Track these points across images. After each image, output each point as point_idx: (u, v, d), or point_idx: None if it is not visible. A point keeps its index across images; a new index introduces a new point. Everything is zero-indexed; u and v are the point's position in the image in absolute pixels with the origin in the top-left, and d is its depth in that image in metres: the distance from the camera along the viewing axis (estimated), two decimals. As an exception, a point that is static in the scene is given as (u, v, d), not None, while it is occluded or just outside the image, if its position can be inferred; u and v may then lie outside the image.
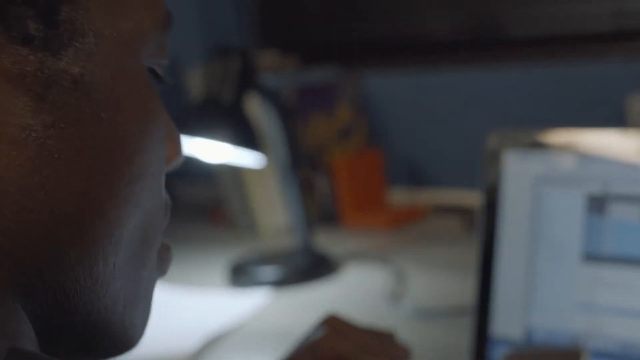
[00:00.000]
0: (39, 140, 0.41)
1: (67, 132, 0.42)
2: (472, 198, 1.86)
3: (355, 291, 1.46)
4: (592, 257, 0.95)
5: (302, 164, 1.87)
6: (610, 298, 0.93)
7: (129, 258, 0.46)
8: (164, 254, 0.51)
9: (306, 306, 1.40)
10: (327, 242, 1.73)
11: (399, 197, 2.04)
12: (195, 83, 1.98)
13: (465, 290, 1.30)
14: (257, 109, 1.72)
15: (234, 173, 1.94)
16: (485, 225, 1.03)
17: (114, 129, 0.43)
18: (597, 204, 0.95)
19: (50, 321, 0.43)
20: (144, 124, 0.45)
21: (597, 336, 0.93)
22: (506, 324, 0.99)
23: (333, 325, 0.84)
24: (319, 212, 1.94)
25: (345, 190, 1.93)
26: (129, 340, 0.48)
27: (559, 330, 0.96)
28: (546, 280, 0.97)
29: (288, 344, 1.22)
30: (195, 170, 1.95)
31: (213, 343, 1.26)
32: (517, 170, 1.01)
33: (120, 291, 0.45)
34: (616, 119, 1.67)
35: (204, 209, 2.18)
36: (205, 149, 1.50)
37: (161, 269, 0.51)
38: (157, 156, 0.46)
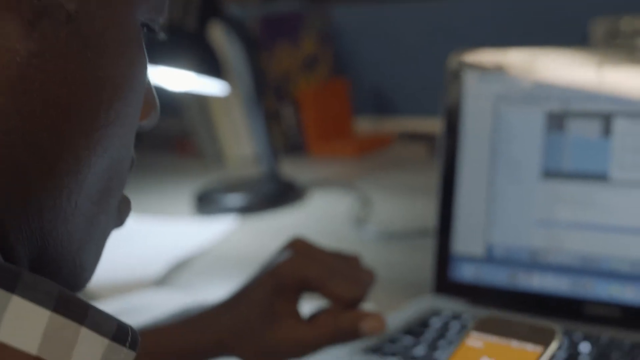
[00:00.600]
0: (22, 66, 0.41)
1: (51, 64, 0.42)
2: (437, 125, 1.87)
3: (321, 217, 1.47)
4: (551, 174, 0.96)
5: (267, 94, 1.86)
6: (569, 214, 0.95)
7: (91, 201, 0.46)
8: (123, 206, 0.52)
9: (272, 232, 1.41)
10: (293, 170, 1.74)
11: (365, 125, 2.04)
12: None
13: (429, 213, 1.31)
14: (221, 37, 1.71)
15: (200, 104, 1.94)
16: (446, 146, 1.04)
17: (97, 71, 0.44)
18: (557, 122, 0.96)
19: (6, 248, 0.43)
20: (126, 74, 0.46)
21: (556, 251, 0.95)
22: (467, 242, 1.01)
23: (298, 249, 0.84)
24: (285, 142, 1.94)
25: (311, 119, 1.93)
26: (78, 281, 0.49)
27: (518, 246, 0.97)
28: (506, 198, 0.98)
29: (254, 269, 1.22)
30: (161, 102, 1.94)
31: (178, 268, 1.27)
32: (477, 91, 1.02)
33: (77, 231, 0.46)
34: (581, 43, 1.68)
35: (171, 141, 2.17)
36: (169, 78, 1.50)
37: (119, 219, 0.52)
38: (133, 109, 0.47)
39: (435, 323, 0.96)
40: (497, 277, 0.98)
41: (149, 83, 0.50)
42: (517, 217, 0.98)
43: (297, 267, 0.82)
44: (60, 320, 0.41)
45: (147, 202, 1.63)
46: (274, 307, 0.81)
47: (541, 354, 0.60)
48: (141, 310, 1.06)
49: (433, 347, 0.91)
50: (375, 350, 0.92)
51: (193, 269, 1.27)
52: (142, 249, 1.36)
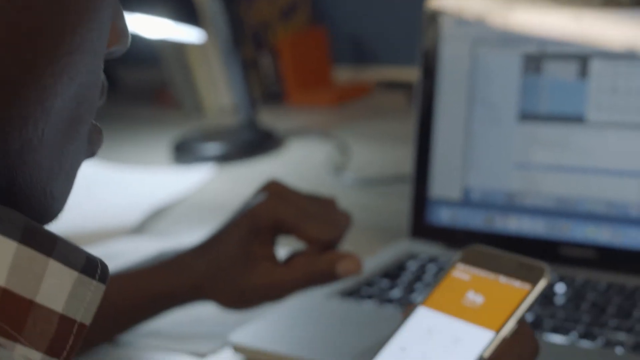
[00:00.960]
0: None
1: None
2: (416, 74, 1.86)
3: (299, 165, 1.47)
4: (528, 116, 0.96)
5: (245, 43, 1.85)
6: (546, 156, 0.94)
7: (58, 130, 0.45)
8: (95, 135, 0.51)
9: (250, 180, 1.40)
10: (272, 119, 1.73)
11: (343, 74, 2.03)
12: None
13: (407, 160, 1.31)
14: (197, -15, 1.69)
15: (178, 54, 1.92)
16: (423, 91, 1.03)
17: None
18: (534, 64, 0.96)
19: None
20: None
21: (533, 193, 0.95)
22: (444, 186, 1.01)
23: (273, 191, 0.84)
24: (264, 90, 1.93)
25: (289, 68, 1.92)
26: (48, 213, 0.48)
27: (495, 189, 0.97)
28: (483, 142, 0.98)
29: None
30: (139, 52, 1.92)
31: (156, 216, 1.27)
32: (454, 34, 1.01)
33: (45, 160, 0.45)
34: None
35: (149, 91, 2.15)
36: (146, 25, 1.48)
37: (90, 149, 0.51)
38: (99, 34, 0.46)
39: (412, 266, 0.96)
40: (474, 220, 0.98)
41: (118, 9, 0.49)
42: (494, 160, 0.97)
43: (272, 208, 0.81)
44: (28, 252, 0.41)
45: (125, 152, 1.62)
46: (249, 249, 0.81)
47: (529, 292, 0.59)
48: (118, 256, 1.06)
49: (409, 289, 0.91)
50: (351, 293, 0.92)
51: (170, 216, 1.27)
52: (120, 198, 1.36)
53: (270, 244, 0.82)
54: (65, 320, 0.42)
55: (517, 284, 0.59)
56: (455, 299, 0.61)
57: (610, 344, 0.77)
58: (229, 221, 0.84)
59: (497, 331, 0.58)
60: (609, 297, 0.85)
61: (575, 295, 0.86)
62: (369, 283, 0.93)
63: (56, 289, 0.41)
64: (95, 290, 0.43)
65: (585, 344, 0.78)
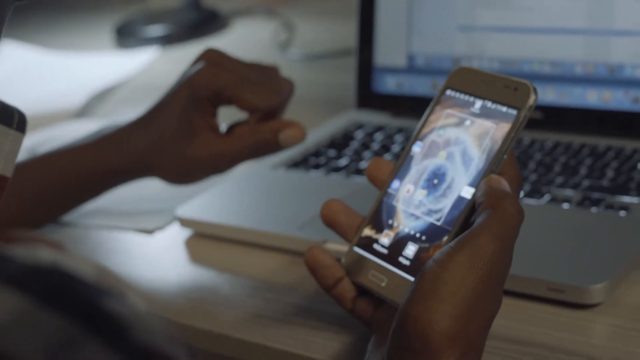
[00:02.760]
0: None
1: None
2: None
3: (245, 43, 1.44)
4: (471, -23, 0.94)
5: None
6: (489, 17, 0.93)
7: None
8: None
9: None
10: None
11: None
12: None
13: (352, 35, 1.29)
14: None
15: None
16: (365, -44, 1.01)
17: None
18: None
19: None
20: None
21: (478, 56, 0.94)
22: (389, 53, 0.99)
23: (211, 59, 0.81)
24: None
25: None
26: None
27: (440, 54, 0.96)
28: (426, 6, 0.96)
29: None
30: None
31: (98, 99, 1.24)
32: None
33: None
34: None
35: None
36: None
37: None
38: None
39: (359, 135, 0.95)
40: (420, 86, 0.97)
41: None
42: (438, 25, 0.96)
43: (210, 76, 0.79)
44: None
45: (67, 38, 1.58)
46: (189, 120, 0.79)
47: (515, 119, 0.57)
48: (60, 140, 1.03)
49: (357, 157, 0.91)
50: (298, 164, 0.91)
51: (113, 99, 1.24)
52: (62, 83, 1.33)
53: (211, 114, 0.80)
54: None
55: (504, 109, 0.58)
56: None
57: (556, 200, 0.77)
58: (168, 93, 0.82)
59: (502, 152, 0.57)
60: (555, 155, 0.85)
61: (522, 155, 0.86)
62: (316, 153, 0.92)
63: None
64: (13, 140, 0.42)
65: (532, 201, 0.78)
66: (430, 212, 0.59)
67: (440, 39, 0.95)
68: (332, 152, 0.92)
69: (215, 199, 0.86)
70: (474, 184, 0.57)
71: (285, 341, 0.67)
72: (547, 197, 0.78)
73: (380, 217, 0.62)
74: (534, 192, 0.79)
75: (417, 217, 0.59)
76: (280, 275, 0.76)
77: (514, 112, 0.57)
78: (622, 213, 0.74)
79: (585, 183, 0.79)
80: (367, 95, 1.00)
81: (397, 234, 0.60)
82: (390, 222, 0.61)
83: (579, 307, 0.65)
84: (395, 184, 0.62)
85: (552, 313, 0.65)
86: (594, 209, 0.75)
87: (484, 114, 0.59)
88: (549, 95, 0.90)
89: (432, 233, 0.58)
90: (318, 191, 0.85)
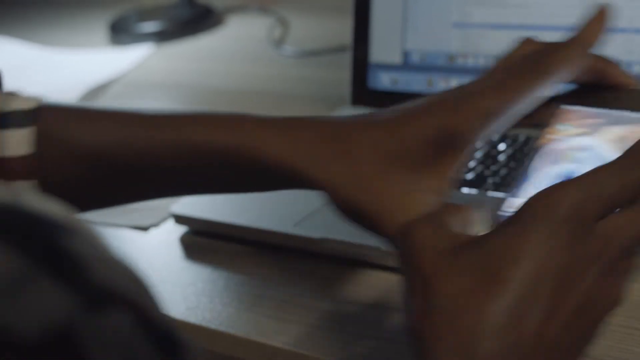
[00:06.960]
0: None
1: None
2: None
3: (239, 40, 1.44)
4: (466, -26, 0.94)
5: None
6: (484, 14, 0.93)
7: None
8: None
9: (188, 56, 1.37)
10: (210, -4, 1.69)
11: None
12: None
13: (347, 31, 1.29)
14: None
15: None
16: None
17: None
18: None
19: None
20: None
21: (473, 54, 0.94)
22: (384, 50, 0.99)
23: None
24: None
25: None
26: None
27: (435, 51, 0.96)
28: (422, 3, 0.96)
29: (169, 93, 1.20)
30: None
31: (93, 94, 1.24)
32: None
33: None
34: None
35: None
36: None
37: None
38: None
39: (354, 132, 0.95)
40: (415, 83, 0.97)
41: None
42: (433, 21, 0.96)
43: None
44: None
45: (61, 35, 1.57)
46: None
47: None
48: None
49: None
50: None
51: (108, 94, 1.24)
52: (57, 79, 1.32)
53: None
54: None
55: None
56: None
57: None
58: None
59: None
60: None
61: (516, 151, 0.86)
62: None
63: None
64: None
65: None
66: None
67: (435, 36, 0.96)
68: (327, 149, 0.92)
69: (210, 196, 0.86)
70: None
71: (280, 338, 0.67)
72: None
73: None
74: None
75: None
76: (276, 272, 0.76)
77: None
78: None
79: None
80: (362, 91, 1.00)
81: None
82: None
83: (575, 304, 0.65)
84: None
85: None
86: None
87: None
88: (543, 92, 0.90)
89: None
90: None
